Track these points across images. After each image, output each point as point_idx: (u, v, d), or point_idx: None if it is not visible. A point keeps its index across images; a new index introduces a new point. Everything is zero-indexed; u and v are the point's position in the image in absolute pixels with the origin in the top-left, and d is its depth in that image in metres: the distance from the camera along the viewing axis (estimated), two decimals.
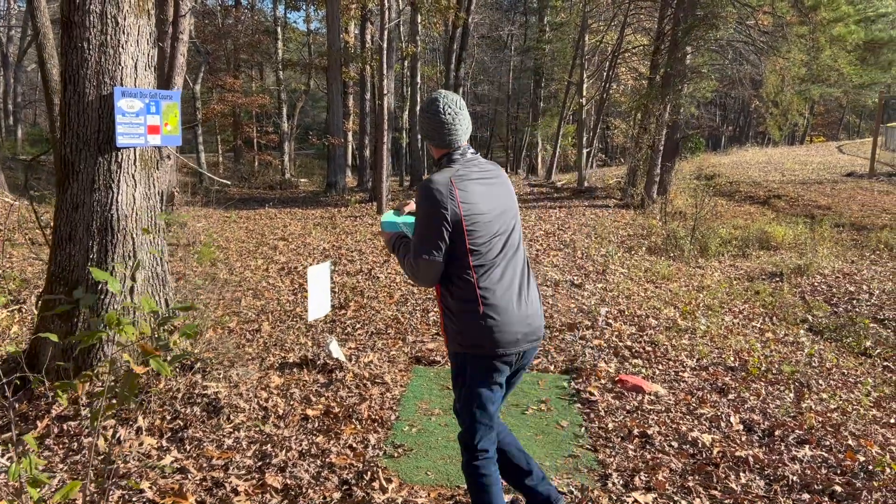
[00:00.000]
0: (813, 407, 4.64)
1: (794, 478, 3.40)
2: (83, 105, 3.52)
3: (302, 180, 26.94)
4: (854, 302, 8.79)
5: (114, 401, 2.29)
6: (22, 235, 9.50)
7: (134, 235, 3.68)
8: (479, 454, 2.58)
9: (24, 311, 5.78)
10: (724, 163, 27.91)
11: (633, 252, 11.02)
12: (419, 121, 2.70)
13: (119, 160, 3.62)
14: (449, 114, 2.56)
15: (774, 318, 7.87)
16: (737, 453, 3.62)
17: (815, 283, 9.65)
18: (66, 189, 3.60)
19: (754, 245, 12.38)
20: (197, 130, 24.25)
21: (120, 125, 3.54)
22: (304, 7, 24.81)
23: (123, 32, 3.55)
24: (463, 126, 2.63)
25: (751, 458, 3.57)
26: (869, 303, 8.71)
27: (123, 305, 3.55)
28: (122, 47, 3.56)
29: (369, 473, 3.13)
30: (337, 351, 4.67)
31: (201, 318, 4.74)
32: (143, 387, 3.53)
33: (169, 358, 2.72)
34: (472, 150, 2.65)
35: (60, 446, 3.22)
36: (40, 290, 6.54)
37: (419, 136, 23.35)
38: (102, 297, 3.58)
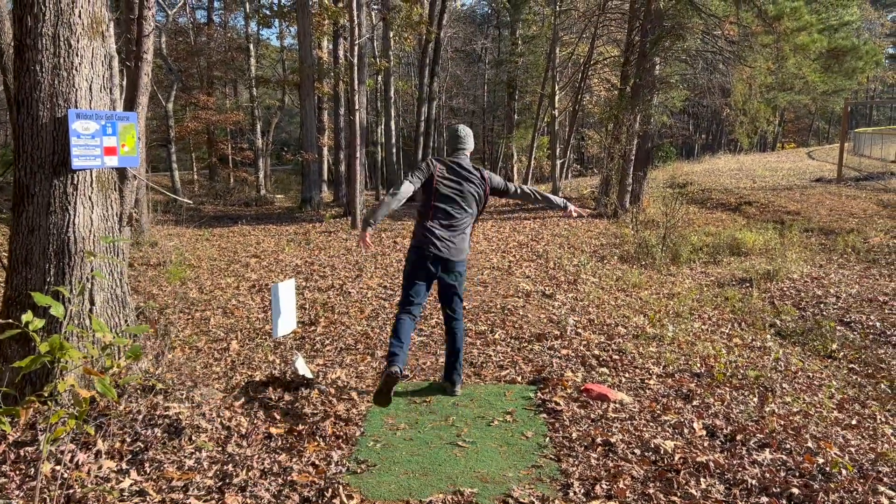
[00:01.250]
0: (776, 410, 4.71)
1: (753, 481, 3.45)
2: (37, 128, 3.50)
3: (278, 196, 26.86)
4: (822, 305, 8.93)
5: (65, 425, 2.27)
6: None
7: (91, 258, 3.66)
8: None
9: None
10: (696, 171, 28.29)
11: (605, 261, 11.12)
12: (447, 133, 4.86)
13: (75, 182, 3.61)
14: (460, 133, 4.67)
15: (743, 323, 7.97)
16: (698, 459, 3.66)
17: (784, 288, 9.79)
18: (21, 212, 3.58)
19: (725, 252, 12.54)
20: (170, 148, 24.09)
21: (75, 147, 3.53)
22: (275, 24, 24.79)
23: (77, 55, 3.54)
24: (469, 144, 4.68)
25: (711, 464, 3.61)
26: (836, 306, 8.85)
27: (69, 329, 3.52)
28: (76, 69, 3.55)
29: (330, 491, 3.13)
30: (303, 368, 4.66)
31: (162, 338, 4.70)
32: (101, 410, 3.50)
33: (118, 381, 2.70)
34: (463, 158, 4.62)
35: (17, 472, 3.17)
36: None
37: (394, 150, 23.41)
38: (55, 320, 3.55)
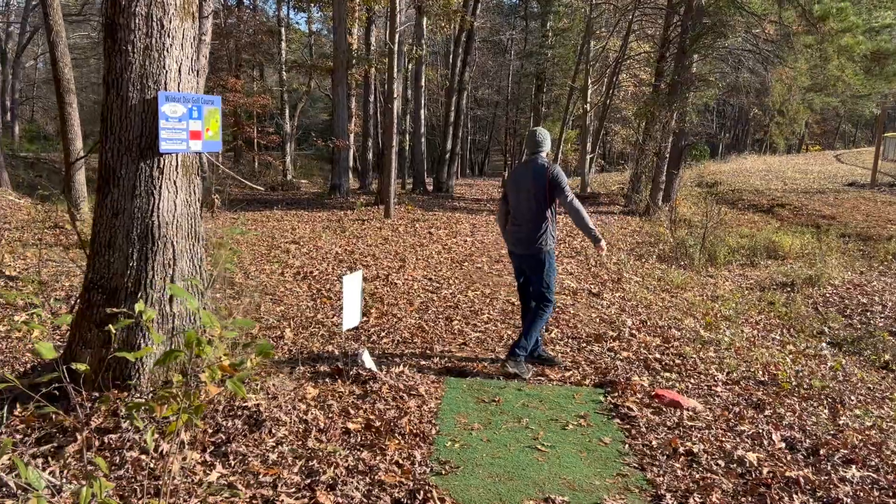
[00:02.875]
0: (850, 424, 4.59)
1: (848, 500, 3.35)
2: (126, 109, 3.43)
3: (302, 181, 26.84)
4: (868, 314, 8.77)
5: (178, 419, 2.20)
6: (31, 235, 9.37)
7: (174, 242, 3.60)
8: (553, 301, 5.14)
9: (43, 315, 5.67)
10: (724, 170, 27.98)
11: (643, 260, 10.98)
12: (527, 135, 5.29)
13: (161, 166, 3.53)
14: (538, 137, 5.09)
15: (792, 329, 7.84)
16: (786, 473, 3.56)
17: (827, 294, 9.64)
18: (106, 195, 3.51)
19: (762, 254, 12.37)
20: None
21: (163, 130, 3.45)
22: (308, 8, 24.68)
23: (169, 35, 3.46)
24: (545, 146, 5.09)
25: (801, 479, 3.51)
26: (883, 315, 8.70)
27: (163, 314, 3.46)
28: (167, 51, 3.47)
29: (422, 493, 3.05)
30: (369, 361, 4.59)
31: (241, 330, 4.64)
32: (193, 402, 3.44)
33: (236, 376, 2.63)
34: (537, 156, 5.05)
35: (103, 460, 3.12)
36: (56, 292, 6.44)
37: (422, 139, 23.28)
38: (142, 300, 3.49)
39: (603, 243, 5.13)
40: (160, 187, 3.54)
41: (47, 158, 20.85)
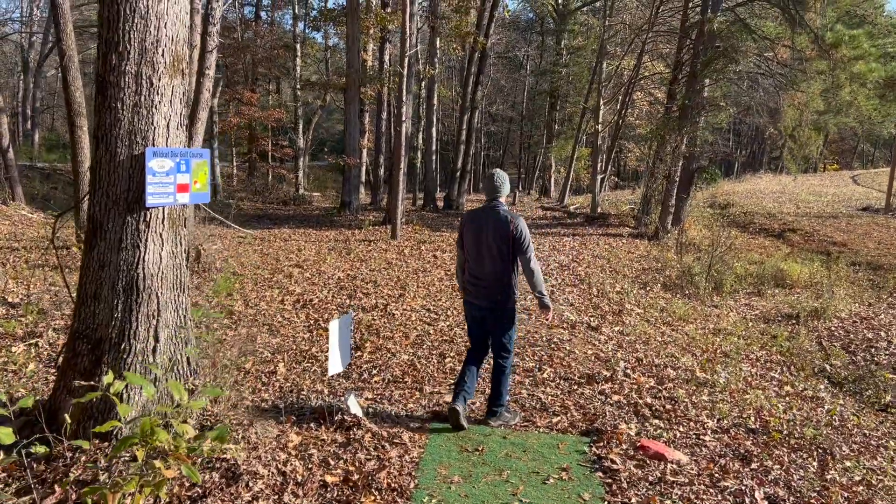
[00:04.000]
0: (837, 478, 4.55)
1: None
2: (114, 164, 3.50)
3: (315, 195, 27.01)
4: (872, 350, 8.68)
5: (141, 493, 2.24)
6: (38, 255, 9.52)
7: (159, 294, 3.66)
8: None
9: (40, 346, 5.76)
10: (737, 191, 27.81)
11: (648, 288, 10.94)
12: (483, 180, 5.41)
13: (147, 219, 3.60)
14: (496, 181, 4.75)
15: (793, 367, 7.77)
16: None
17: (833, 328, 9.55)
18: (93, 247, 3.58)
19: (769, 283, 12.28)
20: (213, 143, 24.35)
21: (150, 185, 3.52)
22: (322, 27, 24.93)
23: (157, 93, 3.54)
24: (504, 190, 4.77)
25: None
26: (888, 351, 8.60)
27: (146, 366, 3.52)
28: (156, 108, 3.55)
29: None
30: (355, 406, 4.62)
31: (219, 376, 4.70)
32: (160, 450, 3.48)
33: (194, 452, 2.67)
34: (498, 202, 4.75)
35: None
36: (56, 321, 6.53)
37: (433, 157, 23.37)
38: (125, 356, 3.56)
39: (551, 313, 4.88)
40: (146, 240, 3.61)
41: (63, 170, 21.13)
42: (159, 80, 3.53)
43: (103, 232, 3.56)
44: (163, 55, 3.52)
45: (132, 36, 3.41)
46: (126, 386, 3.51)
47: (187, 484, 3.44)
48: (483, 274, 4.72)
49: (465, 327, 5.13)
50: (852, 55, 14.73)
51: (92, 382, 3.44)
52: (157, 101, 3.54)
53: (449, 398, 5.32)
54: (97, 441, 3.53)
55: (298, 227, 16.09)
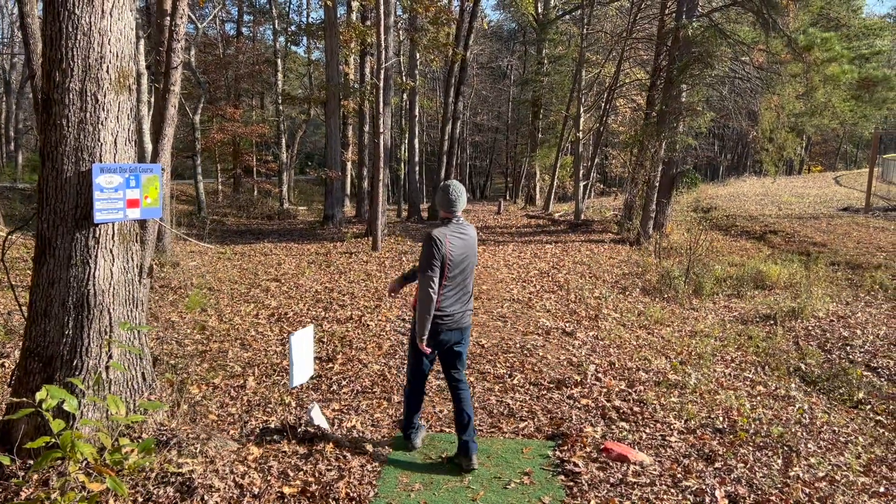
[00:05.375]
0: (801, 475, 4.58)
1: None
2: (61, 182, 3.51)
3: (301, 209, 27.00)
4: (848, 348, 8.72)
5: None
6: (13, 276, 9.47)
7: (111, 310, 3.66)
8: None
9: (7, 366, 5.73)
10: (721, 194, 27.98)
11: (627, 293, 10.98)
12: (437, 193, 4.38)
13: (97, 235, 3.61)
14: (453, 195, 4.22)
15: (767, 367, 7.81)
16: None
17: (810, 327, 9.60)
18: (42, 265, 3.58)
19: (749, 284, 12.34)
20: (196, 160, 24.33)
21: (98, 201, 3.53)
22: (303, 41, 25.02)
23: (103, 109, 3.55)
24: (460, 203, 4.25)
25: None
26: (863, 349, 8.64)
27: (97, 380, 3.51)
28: (102, 124, 3.56)
29: None
30: (319, 417, 4.62)
31: (179, 390, 4.68)
32: (113, 465, 3.47)
33: (128, 464, 2.66)
34: (460, 218, 4.28)
35: None
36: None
37: (416, 167, 23.43)
38: (77, 373, 3.55)
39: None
40: (96, 256, 3.61)
41: None
42: (104, 96, 3.54)
43: (52, 249, 3.56)
44: (107, 71, 3.53)
45: (75, 53, 3.43)
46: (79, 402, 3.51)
47: (140, 499, 3.43)
48: (465, 298, 4.36)
49: (409, 366, 4.48)
50: (825, 57, 14.87)
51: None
52: (104, 117, 3.55)
53: None
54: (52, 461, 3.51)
55: (280, 241, 16.07)
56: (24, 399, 3.32)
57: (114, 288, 3.68)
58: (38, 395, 2.66)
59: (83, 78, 3.48)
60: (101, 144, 3.57)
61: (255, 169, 29.73)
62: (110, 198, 3.59)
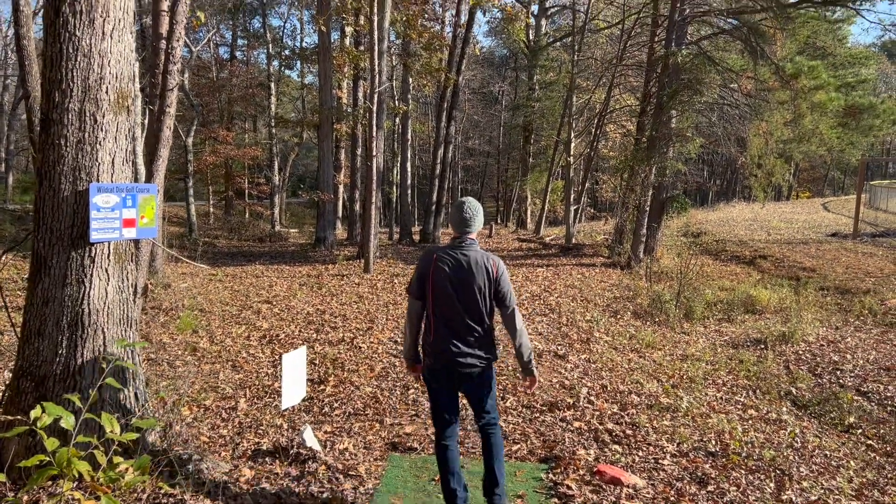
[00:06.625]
0: (793, 499, 4.59)
1: None
2: (58, 201, 3.52)
3: (292, 231, 27.00)
4: (838, 372, 8.76)
5: None
6: (2, 294, 9.39)
7: (105, 330, 3.65)
8: None
9: None
10: (710, 219, 28.21)
11: (618, 316, 11.01)
12: (451, 209, 4.00)
13: (92, 255, 3.61)
14: (467, 213, 3.76)
15: (758, 391, 7.83)
16: None
17: (800, 352, 9.63)
18: (37, 283, 3.58)
19: (739, 309, 12.39)
20: (188, 182, 24.34)
21: (95, 220, 3.54)
22: (297, 65, 25.22)
23: (101, 129, 3.58)
24: (473, 224, 3.77)
25: None
26: (853, 374, 8.68)
27: (87, 416, 3.49)
28: (100, 144, 3.58)
29: None
30: (311, 439, 4.60)
31: (171, 410, 4.66)
32: (109, 487, 3.44)
33: (122, 483, 2.65)
34: (466, 240, 3.74)
35: None
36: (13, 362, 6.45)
37: (409, 190, 23.52)
38: (70, 393, 3.53)
39: (536, 377, 4.06)
40: (91, 275, 3.61)
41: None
42: (103, 116, 3.57)
43: (47, 268, 3.56)
44: (107, 92, 3.57)
45: (75, 74, 3.46)
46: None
47: None
48: (459, 331, 3.68)
49: (429, 405, 4.00)
50: (812, 85, 15.14)
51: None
52: (102, 137, 3.58)
53: (410, 429, 5.31)
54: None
55: (272, 263, 16.06)
56: (18, 417, 3.31)
57: (108, 307, 3.68)
58: (33, 413, 2.65)
59: (83, 98, 3.51)
60: (99, 164, 3.59)
61: (246, 191, 29.77)
62: (107, 217, 3.60)
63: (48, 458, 2.50)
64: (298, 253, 18.85)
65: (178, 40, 6.41)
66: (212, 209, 30.51)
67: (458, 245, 3.74)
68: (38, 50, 12.76)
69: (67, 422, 2.41)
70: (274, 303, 10.57)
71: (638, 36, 21.28)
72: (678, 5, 16.15)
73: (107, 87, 3.57)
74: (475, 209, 3.80)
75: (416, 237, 23.85)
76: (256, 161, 28.35)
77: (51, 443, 2.56)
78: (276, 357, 7.33)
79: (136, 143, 12.99)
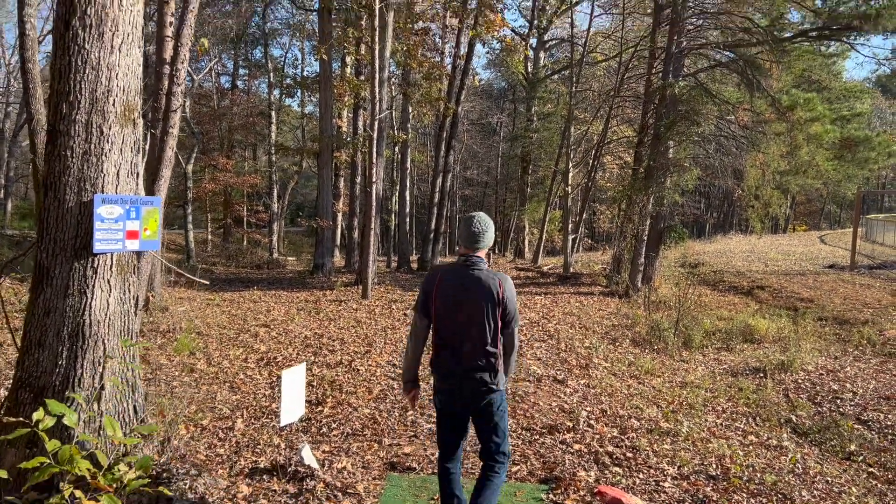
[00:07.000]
0: None
1: None
2: (62, 211, 3.54)
3: (290, 259, 27.00)
4: (838, 401, 8.72)
5: None
6: (3, 305, 9.35)
7: (105, 341, 3.64)
8: None
9: None
10: (708, 251, 28.29)
11: (617, 343, 10.99)
12: (460, 223, 3.75)
13: (95, 266, 3.62)
14: (476, 227, 3.56)
15: (758, 418, 7.78)
16: None
17: (799, 380, 9.60)
18: (39, 294, 3.58)
19: (738, 338, 12.37)
20: (187, 209, 24.41)
21: (98, 231, 3.56)
22: (297, 93, 25.48)
23: (107, 141, 3.61)
24: (482, 241, 3.60)
25: None
26: (853, 402, 8.65)
27: (89, 415, 3.47)
28: (106, 155, 3.61)
29: None
30: (309, 457, 4.56)
31: (169, 425, 4.62)
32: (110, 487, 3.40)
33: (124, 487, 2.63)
34: (473, 258, 3.58)
35: None
36: (9, 381, 6.40)
37: (407, 219, 23.59)
38: (68, 404, 3.51)
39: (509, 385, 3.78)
40: (93, 286, 3.61)
41: (33, 237, 21.04)
42: (109, 128, 3.61)
43: (50, 278, 3.57)
44: (114, 104, 3.61)
45: (83, 86, 3.50)
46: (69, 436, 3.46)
47: None
48: (463, 352, 3.50)
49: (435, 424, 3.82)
50: (808, 117, 15.31)
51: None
52: (108, 148, 3.61)
53: (408, 449, 5.26)
54: (34, 493, 3.44)
55: (270, 289, 16.03)
56: (6, 419, 3.28)
57: (109, 318, 3.68)
58: (35, 416, 2.62)
59: (90, 110, 3.54)
60: (104, 175, 3.62)
61: (245, 219, 29.83)
62: (110, 228, 3.62)
63: (49, 461, 2.47)
64: (296, 279, 18.82)
65: (182, 62, 6.50)
66: (210, 236, 30.55)
67: (464, 263, 3.56)
68: (43, 75, 12.92)
69: (70, 419, 2.39)
70: (271, 326, 10.53)
71: (635, 68, 21.58)
72: (675, 38, 16.40)
73: (114, 100, 3.61)
74: (485, 224, 3.61)
75: (414, 265, 23.87)
76: (255, 189, 28.46)
77: (52, 444, 2.54)
78: (274, 379, 7.29)
79: (137, 167, 13.08)
